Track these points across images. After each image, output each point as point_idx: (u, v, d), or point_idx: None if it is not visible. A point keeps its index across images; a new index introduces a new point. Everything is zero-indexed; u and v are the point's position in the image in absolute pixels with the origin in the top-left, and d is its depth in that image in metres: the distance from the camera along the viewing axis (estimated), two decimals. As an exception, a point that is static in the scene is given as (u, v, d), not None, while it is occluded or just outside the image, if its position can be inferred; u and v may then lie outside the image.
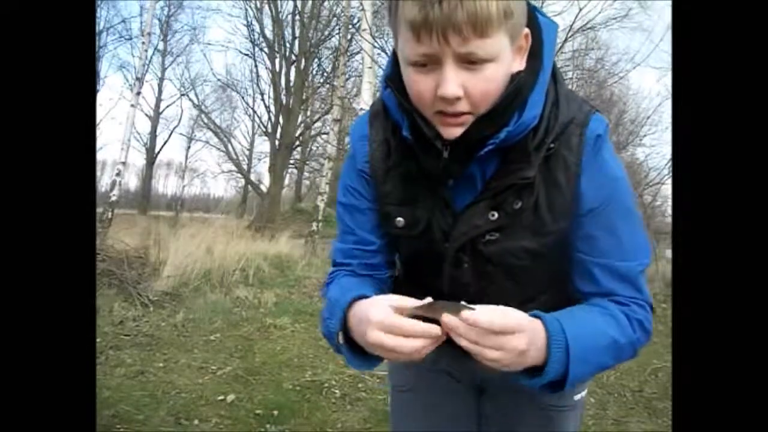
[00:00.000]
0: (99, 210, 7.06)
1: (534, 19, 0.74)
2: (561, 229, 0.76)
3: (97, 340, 3.22)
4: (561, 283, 0.82)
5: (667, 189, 8.79)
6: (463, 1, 0.61)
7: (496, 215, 0.74)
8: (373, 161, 0.81)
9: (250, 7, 14.32)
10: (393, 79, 0.74)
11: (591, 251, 0.77)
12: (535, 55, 0.72)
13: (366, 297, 0.72)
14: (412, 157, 0.76)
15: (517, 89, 0.69)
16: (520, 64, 0.71)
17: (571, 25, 7.24)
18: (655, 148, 16.05)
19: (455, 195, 0.77)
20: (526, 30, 0.71)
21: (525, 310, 0.69)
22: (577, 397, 0.92)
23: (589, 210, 0.75)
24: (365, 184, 0.83)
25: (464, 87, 0.66)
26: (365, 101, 6.70)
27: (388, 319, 0.65)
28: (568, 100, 0.75)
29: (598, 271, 0.77)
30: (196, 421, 2.37)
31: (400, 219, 0.80)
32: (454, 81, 0.65)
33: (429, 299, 0.67)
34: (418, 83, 0.68)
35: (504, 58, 0.67)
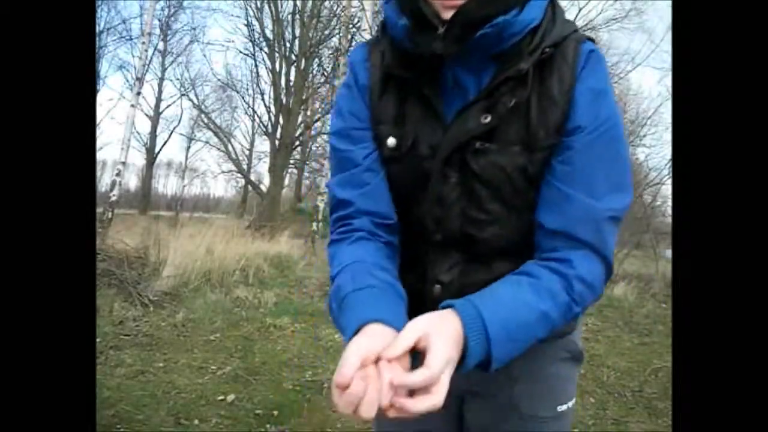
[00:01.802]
0: (99, 210, 7.07)
1: None
2: (550, 146, 0.74)
3: (97, 340, 3.22)
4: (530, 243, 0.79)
5: (667, 189, 8.77)
6: None
7: (489, 118, 0.73)
8: (372, 84, 0.82)
9: (250, 6, 14.32)
10: None
11: (564, 178, 0.74)
12: None
13: (372, 321, 0.65)
14: (407, 69, 0.77)
15: None
16: None
17: (571, 25, 7.21)
18: (655, 148, 16.09)
19: (446, 107, 0.77)
20: None
21: (491, 269, 0.77)
22: (561, 408, 0.90)
23: (577, 127, 0.73)
24: (364, 108, 0.82)
25: None
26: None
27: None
28: (565, 21, 0.77)
29: (566, 205, 0.74)
30: (196, 421, 2.37)
31: (391, 139, 0.80)
32: None
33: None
34: None
35: None
